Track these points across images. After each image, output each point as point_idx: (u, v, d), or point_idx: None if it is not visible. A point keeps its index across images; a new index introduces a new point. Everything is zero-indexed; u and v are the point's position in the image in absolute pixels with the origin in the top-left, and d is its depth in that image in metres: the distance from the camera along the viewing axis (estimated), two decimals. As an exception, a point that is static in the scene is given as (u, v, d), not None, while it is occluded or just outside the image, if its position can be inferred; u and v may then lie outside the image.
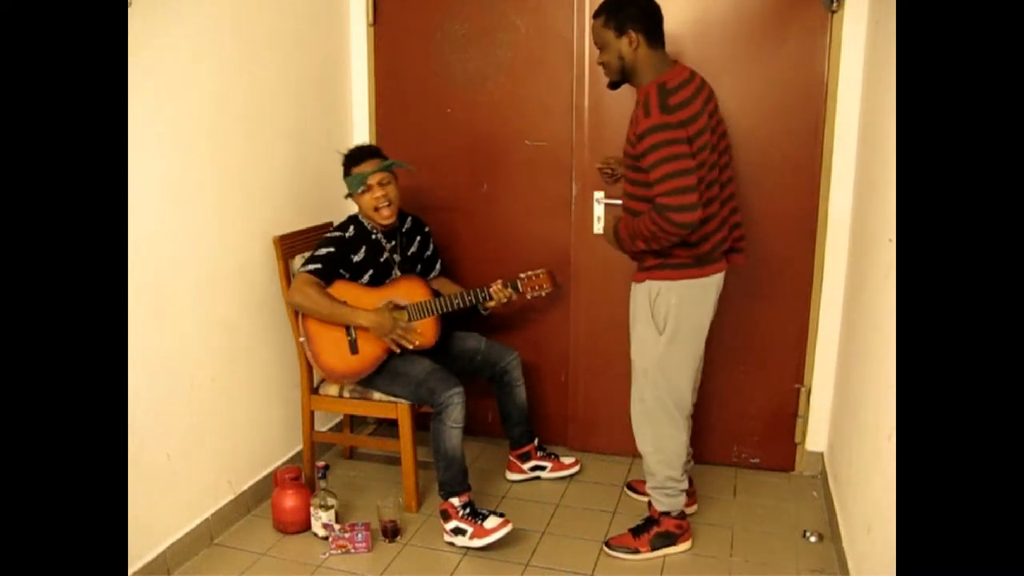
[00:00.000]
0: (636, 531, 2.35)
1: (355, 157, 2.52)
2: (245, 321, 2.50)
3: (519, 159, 2.93)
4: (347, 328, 2.46)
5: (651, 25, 2.08)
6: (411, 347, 2.45)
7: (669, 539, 2.32)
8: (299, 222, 2.71)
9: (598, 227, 2.83)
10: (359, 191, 2.48)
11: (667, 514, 2.32)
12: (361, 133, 3.10)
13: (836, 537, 2.30)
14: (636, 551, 2.31)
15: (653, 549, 2.31)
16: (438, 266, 2.80)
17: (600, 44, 2.14)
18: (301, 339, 2.51)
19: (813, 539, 2.40)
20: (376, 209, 2.48)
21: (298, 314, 2.48)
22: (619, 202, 2.76)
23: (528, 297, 2.63)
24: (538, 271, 2.61)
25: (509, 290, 2.57)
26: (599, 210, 2.83)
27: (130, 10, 1.87)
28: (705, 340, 2.27)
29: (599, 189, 2.81)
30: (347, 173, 2.52)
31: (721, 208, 2.18)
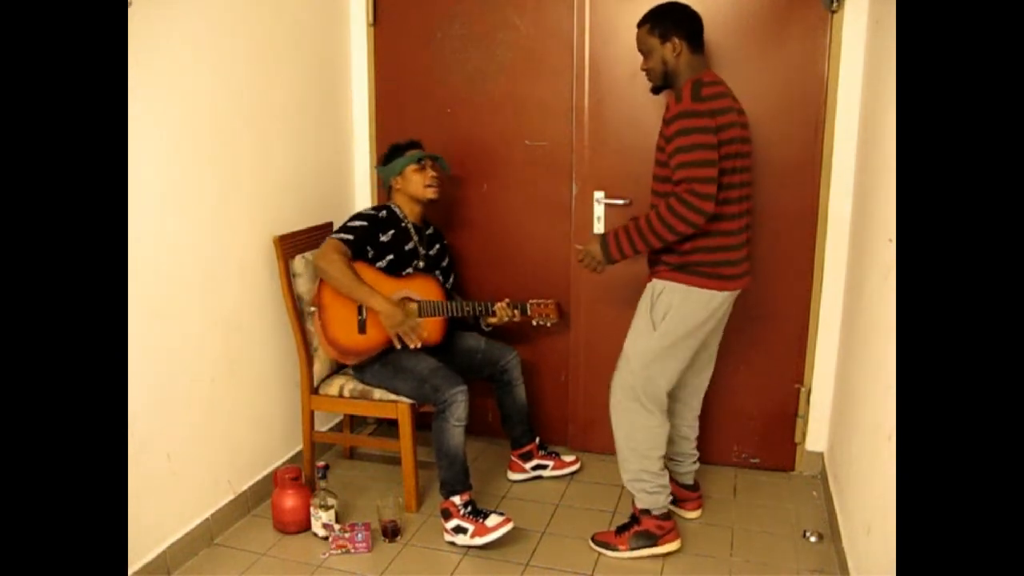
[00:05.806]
0: (620, 529, 2.34)
1: (409, 144, 2.67)
2: (245, 321, 2.50)
3: (519, 159, 2.93)
4: (359, 307, 2.50)
5: (693, 32, 2.13)
6: (412, 347, 2.47)
7: (649, 539, 2.28)
8: (299, 222, 2.72)
9: (598, 227, 2.83)
10: (417, 165, 2.59)
11: (647, 512, 2.29)
12: (361, 133, 3.10)
13: (836, 537, 2.30)
14: (615, 548, 2.30)
15: (632, 549, 2.29)
16: (452, 279, 2.82)
17: (645, 51, 2.19)
18: (312, 308, 2.55)
19: (813, 539, 2.40)
20: (428, 186, 2.60)
21: (318, 281, 2.51)
22: (620, 202, 2.79)
23: (533, 324, 2.67)
24: (547, 300, 2.64)
25: (515, 311, 2.61)
26: (599, 210, 2.83)
27: (130, 10, 1.87)
28: (696, 350, 2.24)
29: (599, 189, 2.81)
30: (399, 155, 2.63)
31: (737, 220, 2.15)
